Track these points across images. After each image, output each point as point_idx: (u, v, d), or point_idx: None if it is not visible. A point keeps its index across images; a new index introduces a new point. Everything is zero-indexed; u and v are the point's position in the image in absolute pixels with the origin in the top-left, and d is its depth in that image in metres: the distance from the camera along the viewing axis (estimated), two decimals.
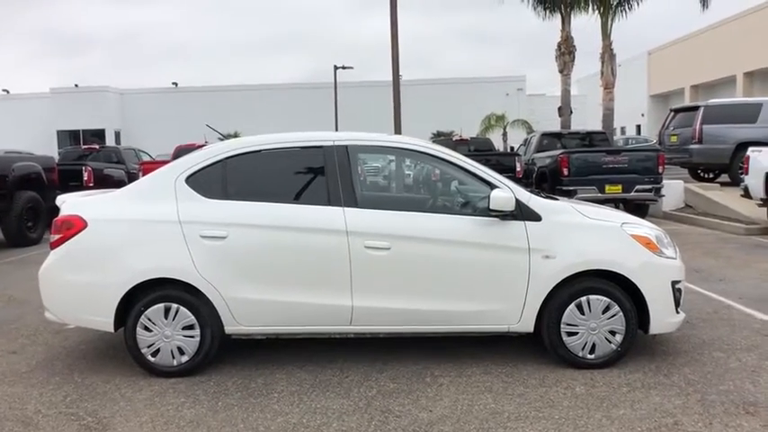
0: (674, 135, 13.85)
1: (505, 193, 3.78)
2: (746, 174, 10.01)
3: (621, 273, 3.83)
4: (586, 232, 3.92)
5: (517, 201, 3.81)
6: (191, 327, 3.88)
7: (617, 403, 3.40)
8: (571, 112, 20.60)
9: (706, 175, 14.57)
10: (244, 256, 3.85)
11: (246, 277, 3.85)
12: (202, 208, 3.91)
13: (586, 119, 32.73)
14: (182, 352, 3.90)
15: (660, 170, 10.86)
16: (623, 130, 38.78)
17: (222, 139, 4.89)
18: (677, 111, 14.47)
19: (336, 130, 28.31)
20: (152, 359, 3.90)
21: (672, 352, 4.18)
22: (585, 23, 18.21)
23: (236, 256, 3.85)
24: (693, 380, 3.70)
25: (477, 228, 3.86)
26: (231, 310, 3.85)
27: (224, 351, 4.11)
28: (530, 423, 3.19)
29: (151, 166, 12.85)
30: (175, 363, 3.90)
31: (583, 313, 3.85)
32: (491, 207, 3.74)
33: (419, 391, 3.63)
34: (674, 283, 3.93)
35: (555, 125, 22.10)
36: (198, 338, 3.89)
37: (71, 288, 3.95)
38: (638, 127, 39.76)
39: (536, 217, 3.85)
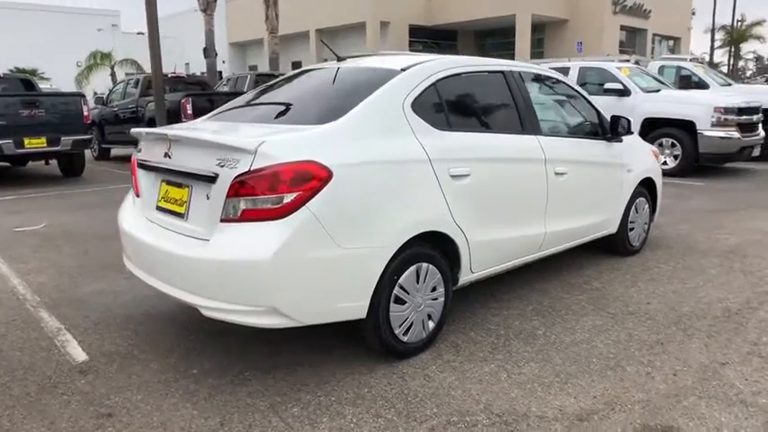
0: None
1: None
2: None
3: (653, 178, 5.11)
4: (640, 150, 5.02)
5: None
6: (434, 287, 3.20)
7: (696, 271, 4.69)
8: (216, 54, 20.15)
9: None
10: (484, 194, 3.37)
11: (486, 217, 3.40)
12: (441, 141, 3.18)
13: (183, 59, 32.01)
14: (429, 319, 3.19)
15: None
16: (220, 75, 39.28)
17: (340, 59, 3.67)
18: None
19: None
20: (405, 338, 3.06)
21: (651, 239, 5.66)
22: None
23: (478, 195, 3.34)
24: (702, 254, 5.29)
25: (604, 149, 4.46)
26: (472, 257, 3.36)
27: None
28: (695, 292, 4.17)
29: None
30: (424, 334, 3.17)
31: (637, 212, 4.99)
32: (631, 130, 4.41)
33: (585, 314, 4.13)
34: None
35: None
36: (442, 299, 3.25)
37: (321, 270, 2.64)
38: (220, 73, 40.92)
39: (620, 139, 4.70)
